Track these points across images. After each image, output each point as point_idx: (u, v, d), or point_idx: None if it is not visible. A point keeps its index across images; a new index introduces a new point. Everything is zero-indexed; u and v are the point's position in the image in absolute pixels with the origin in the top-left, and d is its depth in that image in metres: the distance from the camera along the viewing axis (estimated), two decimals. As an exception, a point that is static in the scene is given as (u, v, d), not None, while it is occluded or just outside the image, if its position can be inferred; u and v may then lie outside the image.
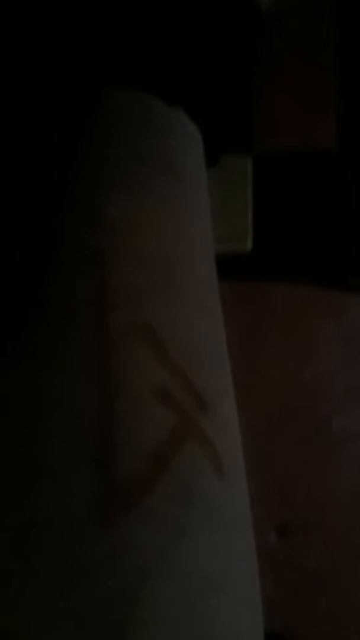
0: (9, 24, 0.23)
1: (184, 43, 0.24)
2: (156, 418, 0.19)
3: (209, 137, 0.24)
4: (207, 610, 0.18)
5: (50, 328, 0.19)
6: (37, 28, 0.23)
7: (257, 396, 0.32)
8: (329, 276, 0.32)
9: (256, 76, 0.32)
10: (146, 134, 0.22)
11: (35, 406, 0.18)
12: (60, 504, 0.17)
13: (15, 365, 0.19)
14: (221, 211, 0.31)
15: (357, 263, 0.32)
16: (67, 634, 0.16)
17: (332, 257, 0.32)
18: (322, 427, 0.32)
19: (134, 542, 0.17)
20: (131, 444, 0.18)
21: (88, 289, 0.20)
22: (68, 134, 0.22)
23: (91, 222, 0.21)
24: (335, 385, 0.33)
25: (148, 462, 0.18)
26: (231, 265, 0.31)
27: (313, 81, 0.32)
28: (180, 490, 0.18)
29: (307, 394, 0.32)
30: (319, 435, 0.32)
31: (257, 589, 0.20)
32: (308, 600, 0.32)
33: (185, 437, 0.19)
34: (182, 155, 0.23)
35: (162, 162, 0.22)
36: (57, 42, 0.23)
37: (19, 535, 0.17)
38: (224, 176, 0.31)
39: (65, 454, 0.18)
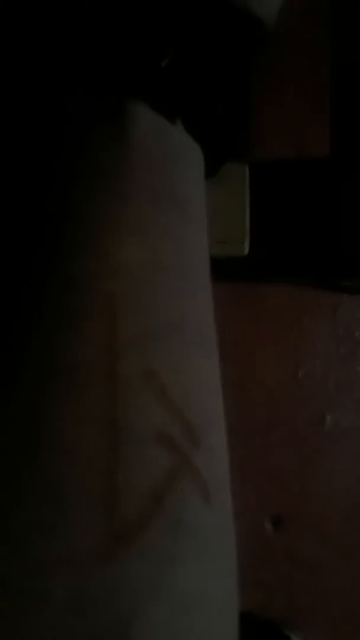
0: (11, 46, 0.23)
1: (186, 58, 0.24)
2: (156, 460, 0.20)
3: (208, 149, 0.24)
4: (191, 628, 0.19)
5: (61, 377, 0.20)
6: (38, 47, 0.23)
7: (254, 393, 0.33)
8: (322, 278, 0.33)
9: (252, 85, 0.32)
10: (161, 168, 0.22)
11: (49, 455, 0.19)
12: (72, 543, 0.19)
13: (28, 414, 0.20)
14: (219, 215, 0.31)
15: (349, 265, 0.33)
16: None
17: (325, 260, 0.33)
18: (316, 422, 0.33)
19: (130, 575, 0.19)
20: (134, 485, 0.19)
21: (99, 336, 0.20)
22: (86, 172, 0.22)
23: (102, 268, 0.21)
24: (328, 383, 0.33)
25: (147, 501, 0.19)
26: (228, 268, 0.32)
27: (308, 90, 0.32)
28: (171, 523, 0.19)
29: (302, 391, 0.33)
30: (313, 431, 0.33)
31: (235, 595, 0.22)
32: (303, 589, 0.33)
33: (179, 474, 0.20)
34: (186, 182, 0.23)
35: (170, 194, 0.22)
36: (60, 61, 0.23)
37: (39, 570, 0.18)
38: (222, 181, 0.31)
39: (77, 499, 0.19)
